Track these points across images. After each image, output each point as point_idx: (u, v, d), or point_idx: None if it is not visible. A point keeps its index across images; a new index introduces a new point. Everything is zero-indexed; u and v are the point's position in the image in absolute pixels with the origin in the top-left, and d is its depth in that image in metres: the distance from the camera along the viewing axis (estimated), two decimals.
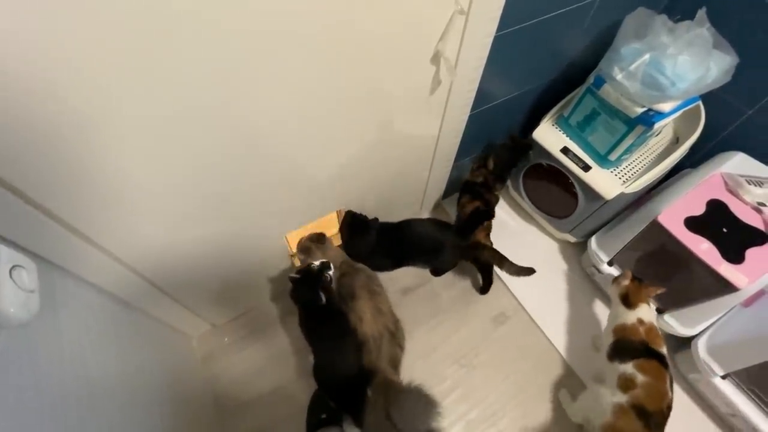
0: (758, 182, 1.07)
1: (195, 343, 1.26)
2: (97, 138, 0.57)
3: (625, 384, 0.96)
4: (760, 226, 1.03)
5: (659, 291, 1.07)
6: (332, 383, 1.05)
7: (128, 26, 0.48)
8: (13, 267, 0.50)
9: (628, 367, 0.97)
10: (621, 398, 0.95)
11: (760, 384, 1.03)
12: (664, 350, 0.99)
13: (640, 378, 0.94)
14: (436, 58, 0.81)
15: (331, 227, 1.27)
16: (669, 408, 0.93)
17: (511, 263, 1.22)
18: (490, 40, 0.88)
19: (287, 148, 0.81)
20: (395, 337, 1.08)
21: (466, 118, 1.11)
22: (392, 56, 0.76)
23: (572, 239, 1.43)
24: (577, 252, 1.47)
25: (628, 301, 1.06)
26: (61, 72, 0.48)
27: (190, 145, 0.67)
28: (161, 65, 0.54)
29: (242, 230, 0.96)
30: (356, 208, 1.20)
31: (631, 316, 1.04)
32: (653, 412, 0.91)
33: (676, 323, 1.16)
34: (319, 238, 1.12)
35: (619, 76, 0.98)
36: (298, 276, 1.01)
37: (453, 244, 1.23)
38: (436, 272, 1.39)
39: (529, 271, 1.21)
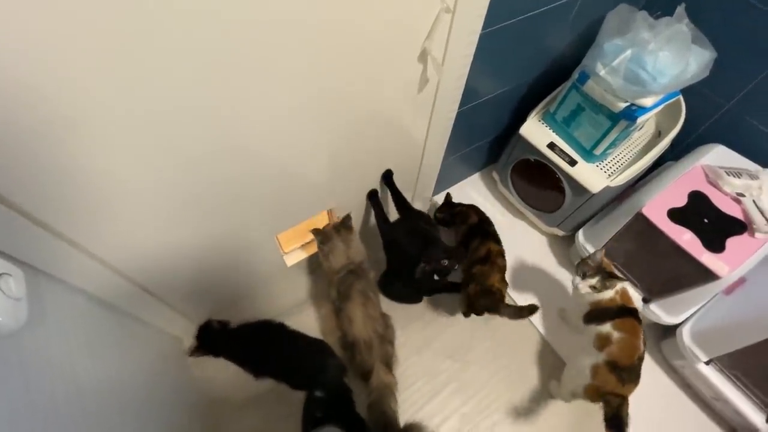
0: (737, 173, 1.11)
1: (187, 346, 1.25)
2: (82, 139, 0.56)
3: (601, 342, 1.01)
4: (739, 216, 1.06)
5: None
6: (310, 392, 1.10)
7: (114, 24, 0.47)
8: (0, 275, 0.49)
9: (606, 327, 1.01)
10: (597, 358, 1.00)
11: (742, 368, 1.07)
12: (635, 306, 1.04)
13: (616, 335, 1.00)
14: (423, 56, 0.82)
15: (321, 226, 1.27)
16: (640, 359, 0.98)
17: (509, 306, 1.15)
18: (477, 37, 0.88)
19: (276, 148, 0.81)
20: (385, 338, 1.11)
21: (454, 115, 1.11)
22: (379, 55, 0.76)
23: (560, 233, 1.46)
24: (565, 245, 1.50)
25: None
26: (43, 71, 0.47)
27: (176, 145, 0.66)
28: (147, 63, 0.53)
29: (232, 232, 0.96)
30: (347, 207, 1.20)
31: (607, 294, 1.04)
32: (625, 367, 0.96)
33: (661, 312, 1.19)
34: (344, 223, 1.13)
35: (602, 72, 1.00)
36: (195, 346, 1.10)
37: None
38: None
39: (531, 310, 1.11)
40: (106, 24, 0.47)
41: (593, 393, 0.99)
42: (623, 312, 1.02)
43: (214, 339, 1.10)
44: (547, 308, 1.38)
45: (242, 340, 1.11)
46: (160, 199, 0.74)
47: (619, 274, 1.05)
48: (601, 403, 0.97)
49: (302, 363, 1.10)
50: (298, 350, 1.11)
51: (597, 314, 1.05)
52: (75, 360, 0.69)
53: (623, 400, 0.95)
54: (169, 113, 0.61)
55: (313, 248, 1.28)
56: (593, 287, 1.03)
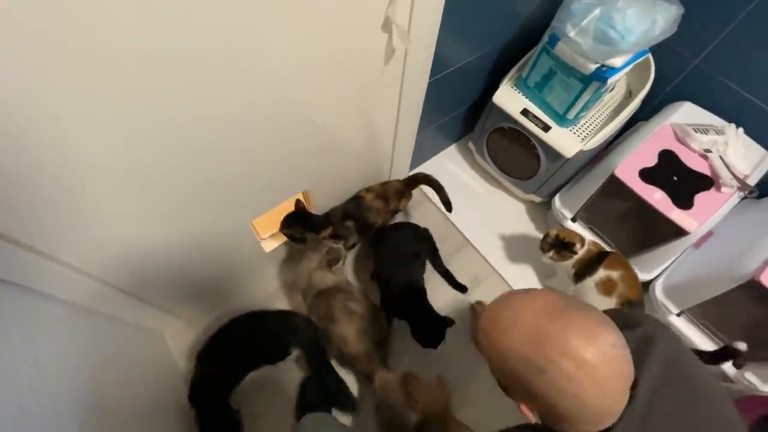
0: (704, 130, 1.12)
1: (170, 341, 1.23)
2: (32, 130, 0.51)
3: (606, 287, 1.09)
4: (707, 172, 1.08)
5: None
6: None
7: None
8: None
9: (600, 273, 1.09)
10: (610, 302, 1.07)
11: (711, 318, 1.12)
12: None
13: (615, 274, 1.08)
14: (387, 25, 0.78)
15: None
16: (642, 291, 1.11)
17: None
18: (442, 2, 0.85)
19: (243, 131, 0.77)
20: (381, 343, 1.12)
21: (425, 86, 1.08)
22: (341, 25, 0.72)
23: (537, 199, 1.47)
24: (542, 211, 1.52)
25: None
26: None
27: (138, 130, 0.62)
28: (109, 50, 0.48)
29: (205, 222, 0.92)
30: (322, 188, 1.17)
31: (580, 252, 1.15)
32: (638, 300, 1.06)
33: (635, 269, 1.23)
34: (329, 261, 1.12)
35: (571, 33, 0.98)
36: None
37: None
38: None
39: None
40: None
41: None
42: (604, 254, 1.12)
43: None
44: (527, 273, 1.41)
45: (221, 350, 1.08)
46: (123, 196, 0.70)
47: (578, 245, 1.12)
48: None
49: (273, 333, 1.10)
50: (266, 324, 1.11)
51: (583, 269, 1.13)
52: (46, 366, 0.66)
53: None
54: (129, 94, 0.56)
55: None
56: (551, 258, 1.17)
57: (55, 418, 0.61)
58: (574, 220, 1.32)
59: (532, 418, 0.55)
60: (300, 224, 1.14)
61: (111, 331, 0.93)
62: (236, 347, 1.08)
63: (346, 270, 1.31)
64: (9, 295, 0.64)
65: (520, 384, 0.52)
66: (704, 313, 1.13)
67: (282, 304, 1.30)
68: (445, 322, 1.09)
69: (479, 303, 1.27)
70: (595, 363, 0.47)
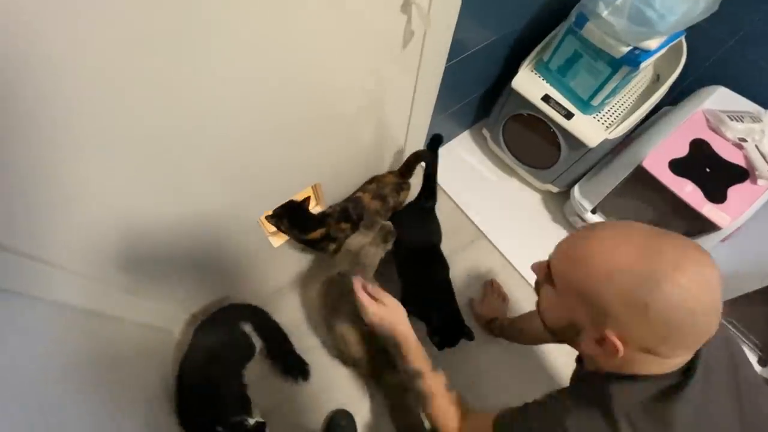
0: (739, 117, 1.05)
1: (177, 335, 1.20)
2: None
3: None
4: (741, 163, 1.02)
5: None
6: None
7: None
8: None
9: None
10: None
11: (736, 315, 1.08)
12: None
13: None
14: (406, 6, 0.71)
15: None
16: None
17: None
18: None
19: (257, 120, 0.72)
20: (384, 348, 1.06)
21: (441, 70, 1.01)
22: (360, 6, 0.65)
23: (555, 189, 1.41)
24: (559, 202, 1.46)
25: None
26: None
27: (140, 122, 0.57)
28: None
29: (208, 217, 0.88)
30: (333, 180, 1.12)
31: None
32: None
33: None
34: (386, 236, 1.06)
35: (604, 13, 0.90)
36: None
37: None
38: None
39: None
40: None
41: None
42: None
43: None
44: None
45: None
46: (115, 187, 0.65)
47: None
48: None
49: (230, 330, 1.12)
50: (216, 330, 1.11)
51: None
52: (45, 372, 0.63)
53: None
54: (131, 76, 0.51)
55: None
56: None
57: (58, 423, 0.59)
58: (594, 211, 1.27)
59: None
60: (287, 218, 1.05)
61: (114, 329, 0.90)
62: (211, 368, 1.04)
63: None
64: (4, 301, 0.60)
65: (623, 304, 0.49)
66: (729, 311, 1.09)
67: (288, 300, 1.26)
68: (468, 334, 1.02)
69: (493, 281, 1.26)
70: (707, 279, 0.47)
